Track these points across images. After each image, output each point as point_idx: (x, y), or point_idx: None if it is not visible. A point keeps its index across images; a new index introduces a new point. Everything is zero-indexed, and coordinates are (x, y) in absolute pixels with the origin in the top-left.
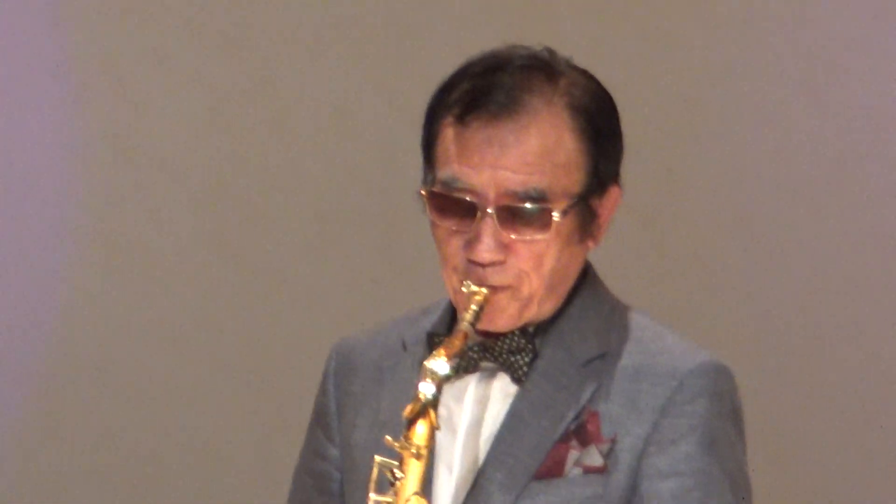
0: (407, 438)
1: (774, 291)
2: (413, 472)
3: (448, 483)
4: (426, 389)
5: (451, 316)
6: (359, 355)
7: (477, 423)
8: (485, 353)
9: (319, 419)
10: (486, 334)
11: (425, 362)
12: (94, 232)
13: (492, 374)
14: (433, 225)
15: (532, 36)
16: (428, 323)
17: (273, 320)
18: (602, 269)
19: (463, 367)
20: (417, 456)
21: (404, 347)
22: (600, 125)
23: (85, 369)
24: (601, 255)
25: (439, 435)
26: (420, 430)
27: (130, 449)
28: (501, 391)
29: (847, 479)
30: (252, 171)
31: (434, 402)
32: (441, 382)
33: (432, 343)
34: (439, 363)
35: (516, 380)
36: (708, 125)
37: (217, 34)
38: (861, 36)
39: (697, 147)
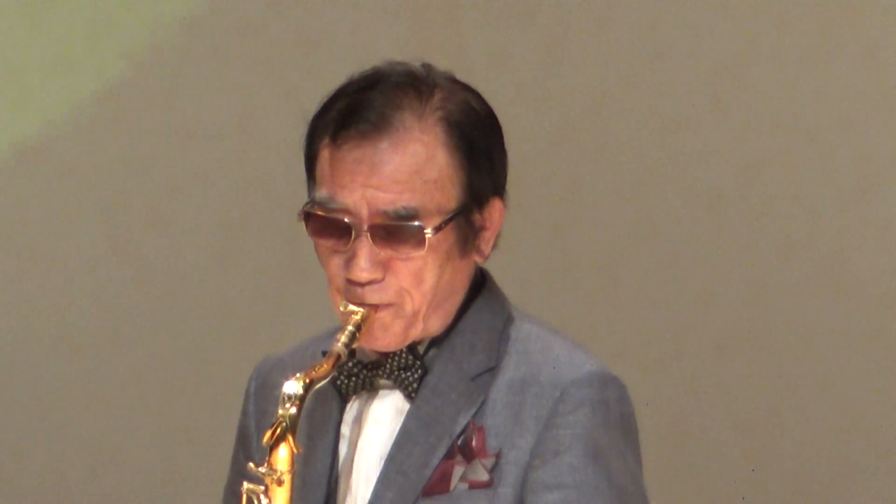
0: (269, 464)
1: (676, 298)
2: (278, 497)
3: (346, 500)
4: (283, 413)
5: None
6: (277, 374)
7: (372, 440)
8: (377, 370)
9: (241, 440)
10: (379, 352)
11: (283, 386)
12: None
13: (387, 392)
14: (315, 245)
15: (436, 42)
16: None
17: (177, 328)
18: (507, 277)
19: (360, 384)
20: (279, 482)
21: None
22: (475, 139)
23: None
24: (504, 263)
25: (342, 453)
26: (282, 454)
27: (33, 455)
28: (395, 409)
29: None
30: (156, 178)
31: (292, 426)
32: (300, 404)
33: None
34: (293, 385)
35: (407, 396)
36: (610, 132)
37: (120, 38)
38: (764, 41)
39: (600, 154)
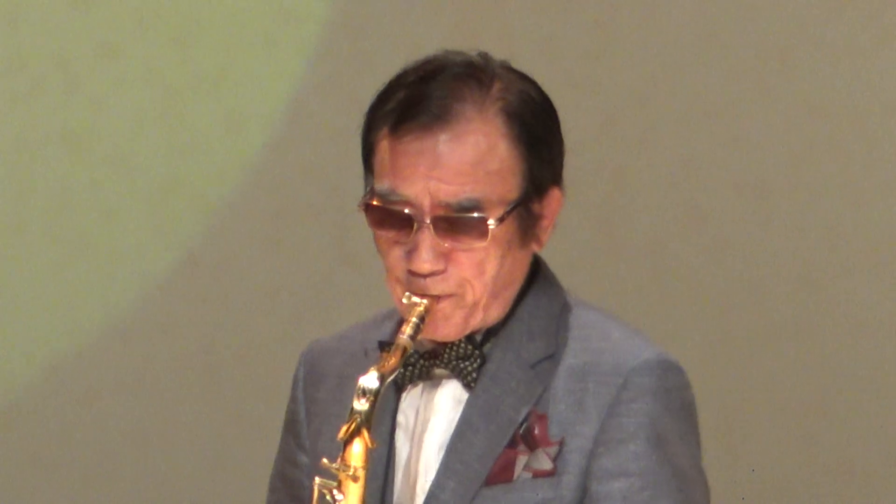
0: (343, 460)
1: (729, 286)
2: (352, 493)
3: (404, 490)
4: (359, 408)
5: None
6: (325, 361)
7: (431, 431)
8: (434, 360)
9: (290, 426)
10: (437, 342)
11: (359, 378)
12: (47, 227)
13: (445, 381)
14: (375, 237)
15: (483, 34)
16: (388, 328)
17: (224, 316)
18: (554, 265)
19: (416, 374)
20: (354, 478)
21: (366, 354)
22: (535, 129)
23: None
24: (551, 251)
25: (398, 443)
26: (356, 449)
27: (82, 443)
28: (454, 398)
29: (805, 472)
30: (205, 166)
31: (367, 421)
32: (374, 400)
33: (383, 352)
34: (370, 378)
35: (466, 386)
36: (657, 119)
37: (167, 24)
38: (812, 26)
39: (647, 142)
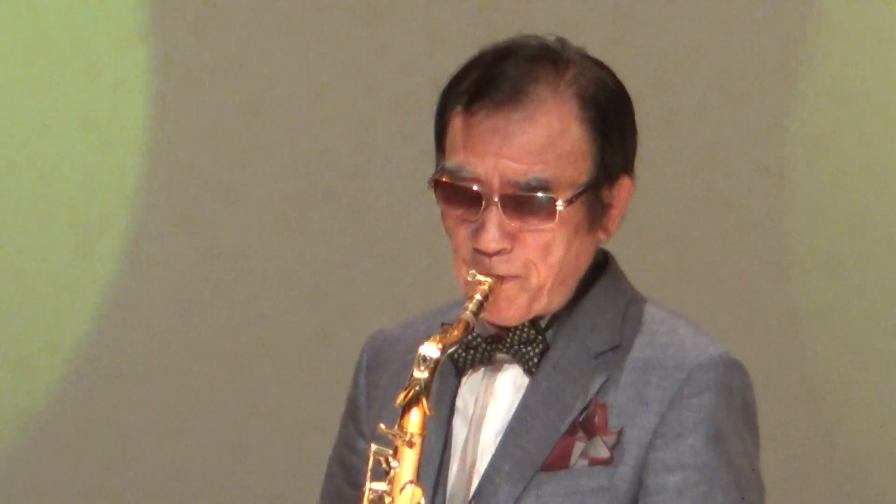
0: (400, 427)
1: (745, 271)
2: (407, 460)
3: (460, 474)
4: (419, 376)
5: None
6: (389, 348)
7: (489, 415)
8: (497, 344)
9: (351, 412)
10: (499, 326)
11: (420, 347)
12: (68, 214)
13: (505, 366)
14: (442, 215)
15: (500, 21)
16: (454, 316)
17: (248, 304)
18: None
19: (477, 358)
20: (410, 444)
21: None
22: (609, 115)
23: (54, 355)
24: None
25: (456, 427)
26: (413, 417)
27: (102, 431)
28: (513, 383)
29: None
30: (225, 152)
31: (426, 389)
32: (434, 368)
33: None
34: (431, 348)
35: (527, 371)
36: (677, 105)
37: (187, 11)
38: (833, 11)
39: (667, 128)
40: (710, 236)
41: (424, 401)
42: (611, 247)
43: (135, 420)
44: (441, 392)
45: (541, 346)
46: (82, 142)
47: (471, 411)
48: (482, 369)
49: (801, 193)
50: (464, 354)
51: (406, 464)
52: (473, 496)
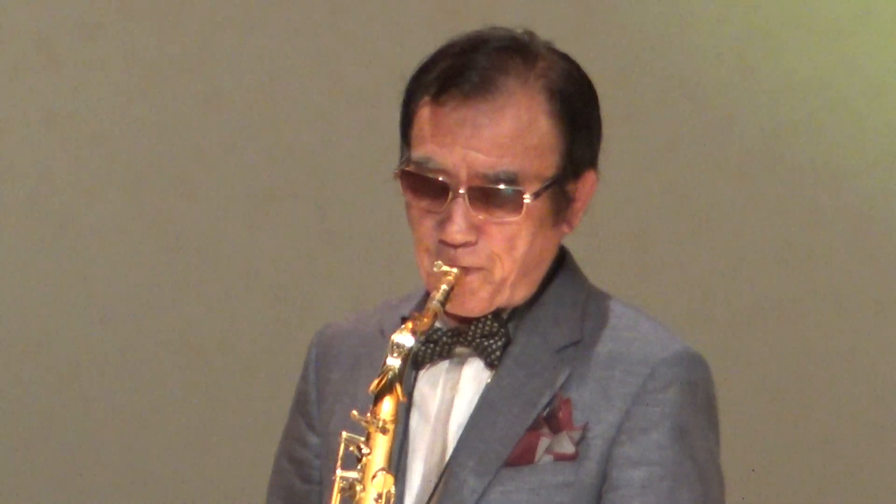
0: (373, 413)
1: (704, 265)
2: (379, 447)
3: (421, 469)
4: (392, 363)
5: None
6: (339, 343)
7: (449, 409)
8: (458, 337)
9: (300, 406)
10: (460, 319)
11: (392, 336)
12: (27, 208)
13: (465, 360)
14: (407, 206)
15: (464, 13)
16: (406, 309)
17: (209, 299)
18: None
19: (437, 352)
20: (383, 430)
21: (382, 334)
22: (577, 109)
23: (14, 349)
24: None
25: (413, 421)
26: (386, 405)
27: (62, 425)
28: (474, 377)
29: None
30: (186, 147)
31: (400, 376)
32: (407, 356)
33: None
34: (405, 337)
35: (489, 365)
36: (638, 98)
37: (149, 8)
38: (792, 6)
39: (628, 121)
40: (669, 231)
41: (398, 388)
42: (573, 241)
43: (93, 414)
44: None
45: (503, 339)
46: (42, 136)
47: (431, 405)
48: (442, 363)
49: (760, 189)
50: (423, 348)
51: (378, 451)
52: (437, 491)
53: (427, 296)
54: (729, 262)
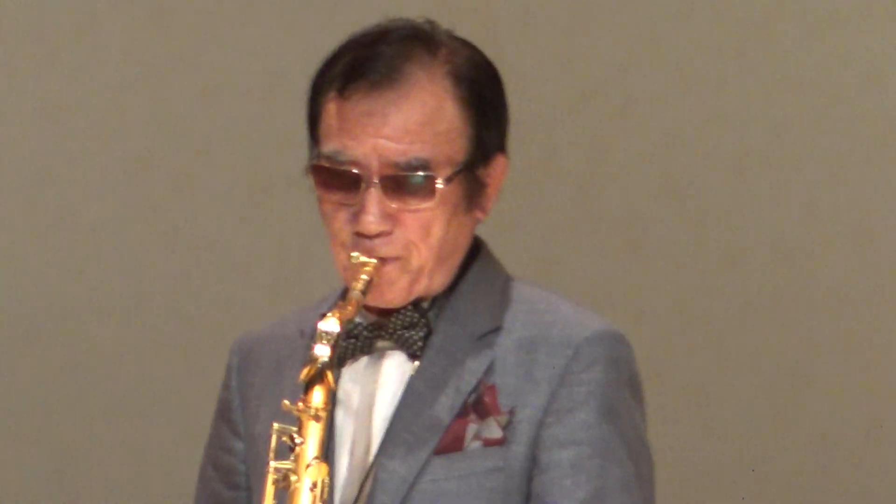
0: (304, 402)
1: (708, 260)
2: (313, 435)
3: (348, 464)
4: (320, 351)
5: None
6: (259, 348)
7: (372, 403)
8: (378, 331)
9: (223, 414)
10: (379, 313)
11: (318, 324)
12: (24, 202)
13: (385, 354)
14: (320, 201)
15: (461, 4)
16: (325, 308)
17: (206, 292)
18: (534, 238)
19: (358, 347)
20: (316, 418)
21: (302, 335)
22: (483, 94)
23: (12, 343)
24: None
25: (338, 417)
26: (317, 393)
27: (58, 417)
28: (396, 369)
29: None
30: (183, 140)
31: (329, 364)
32: (335, 342)
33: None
34: (330, 323)
35: (411, 356)
36: (636, 92)
37: (147, 1)
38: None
39: (626, 115)
40: (666, 224)
41: (329, 375)
42: (566, 235)
43: (89, 407)
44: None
45: (424, 329)
46: (38, 129)
47: (355, 402)
48: (363, 359)
49: (757, 182)
50: (343, 344)
51: (311, 439)
52: (367, 483)
53: (345, 292)
54: (726, 259)
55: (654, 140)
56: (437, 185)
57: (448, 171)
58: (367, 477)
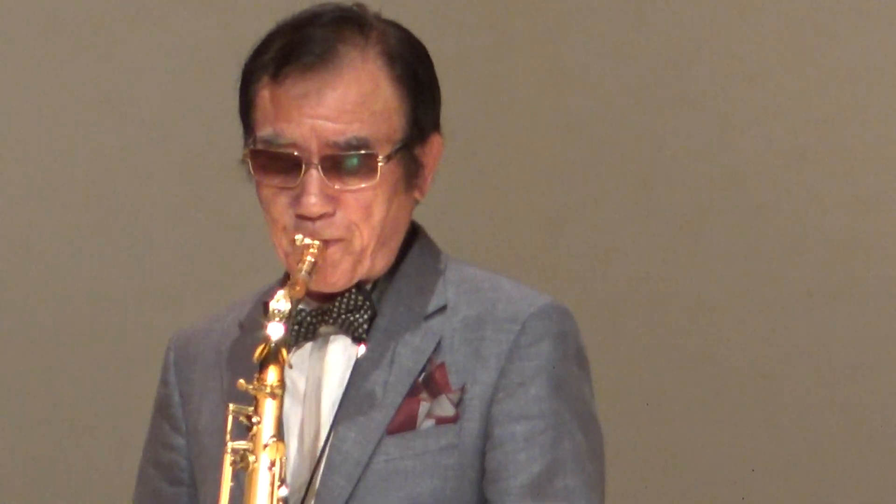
0: (260, 380)
1: (767, 252)
2: (269, 413)
3: (297, 449)
4: (273, 330)
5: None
6: (196, 343)
7: (319, 387)
8: (322, 317)
9: (162, 411)
10: (321, 298)
11: (270, 303)
12: (86, 194)
13: (332, 339)
14: (258, 186)
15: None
16: (259, 300)
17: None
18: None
19: (302, 334)
20: (272, 395)
21: (241, 328)
22: (417, 73)
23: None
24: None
25: (286, 404)
26: (272, 371)
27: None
28: (342, 353)
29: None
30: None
31: (283, 341)
32: (289, 319)
33: (268, 310)
34: (281, 303)
35: (356, 340)
36: (693, 86)
37: None
38: None
39: (690, 110)
40: (726, 216)
41: (283, 352)
42: (627, 226)
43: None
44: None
45: (368, 312)
46: (99, 120)
47: (301, 388)
48: (307, 345)
49: (816, 173)
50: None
51: (267, 418)
52: (319, 467)
53: (285, 279)
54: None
55: (715, 132)
56: (379, 163)
57: (387, 150)
58: (318, 460)
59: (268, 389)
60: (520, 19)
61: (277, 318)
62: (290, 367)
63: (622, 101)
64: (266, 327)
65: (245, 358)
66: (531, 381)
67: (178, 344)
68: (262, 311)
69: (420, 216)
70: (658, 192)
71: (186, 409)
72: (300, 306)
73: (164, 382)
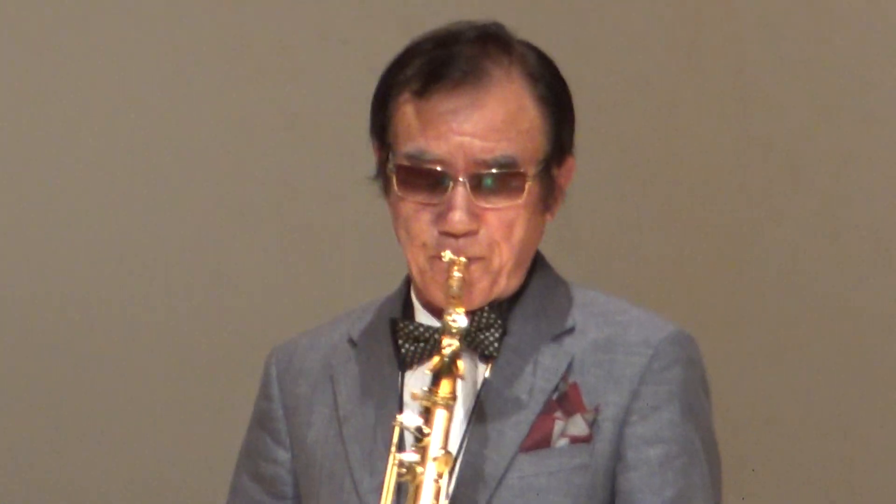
0: (433, 392)
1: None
2: (439, 425)
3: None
4: (447, 343)
5: (407, 301)
6: (301, 358)
7: (457, 406)
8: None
9: (263, 424)
10: (442, 315)
11: (446, 316)
12: (270, 213)
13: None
14: (399, 202)
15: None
16: (372, 317)
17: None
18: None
19: (427, 351)
20: (446, 406)
21: (352, 343)
22: (558, 93)
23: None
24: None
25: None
26: (445, 383)
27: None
28: (470, 370)
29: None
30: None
31: (457, 354)
32: (461, 336)
33: (396, 330)
34: (459, 317)
35: (484, 357)
36: (885, 107)
37: (392, 16)
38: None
39: (874, 130)
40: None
41: (459, 363)
42: (812, 248)
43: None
44: (384, 387)
45: (500, 330)
46: (285, 140)
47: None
48: (429, 363)
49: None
50: (412, 348)
51: (438, 429)
52: (450, 484)
53: (401, 293)
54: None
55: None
56: (528, 183)
57: (533, 170)
58: (450, 476)
59: (441, 401)
60: (705, 40)
61: (453, 332)
62: (464, 379)
63: (808, 121)
64: (441, 340)
65: (356, 374)
66: (665, 406)
67: (281, 358)
68: (390, 328)
69: None
70: (844, 212)
71: (291, 422)
72: (425, 322)
73: (267, 397)
